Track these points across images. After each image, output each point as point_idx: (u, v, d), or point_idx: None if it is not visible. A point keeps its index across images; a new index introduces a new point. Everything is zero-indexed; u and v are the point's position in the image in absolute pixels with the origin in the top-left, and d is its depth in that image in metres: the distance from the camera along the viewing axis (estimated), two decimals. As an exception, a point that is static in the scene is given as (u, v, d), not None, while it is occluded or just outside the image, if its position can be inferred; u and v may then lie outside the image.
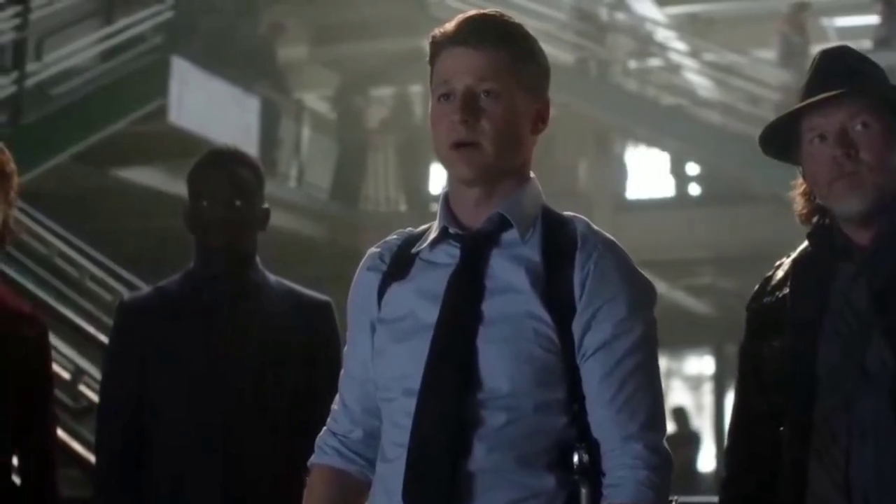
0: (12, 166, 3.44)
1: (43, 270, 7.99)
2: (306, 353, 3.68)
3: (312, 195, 16.21)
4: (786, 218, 3.05)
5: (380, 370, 2.52)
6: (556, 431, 2.41)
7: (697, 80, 18.31)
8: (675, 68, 18.17)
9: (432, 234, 2.54)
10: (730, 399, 20.67)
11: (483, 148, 2.44)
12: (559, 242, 2.46)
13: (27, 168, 9.70)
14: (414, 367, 2.42)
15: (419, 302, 2.48)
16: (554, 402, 2.40)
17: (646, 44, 17.82)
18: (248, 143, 12.47)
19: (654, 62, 18.02)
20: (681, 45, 18.45)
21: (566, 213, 2.56)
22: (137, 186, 12.04)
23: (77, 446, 5.56)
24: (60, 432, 5.63)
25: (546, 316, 2.40)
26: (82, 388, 6.54)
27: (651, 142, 17.71)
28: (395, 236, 2.64)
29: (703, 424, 21.72)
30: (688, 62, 18.14)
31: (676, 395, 21.89)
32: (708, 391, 22.73)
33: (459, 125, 2.44)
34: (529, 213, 2.50)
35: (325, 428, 2.67)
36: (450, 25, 2.52)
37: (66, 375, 6.48)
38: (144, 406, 3.62)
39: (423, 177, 17.31)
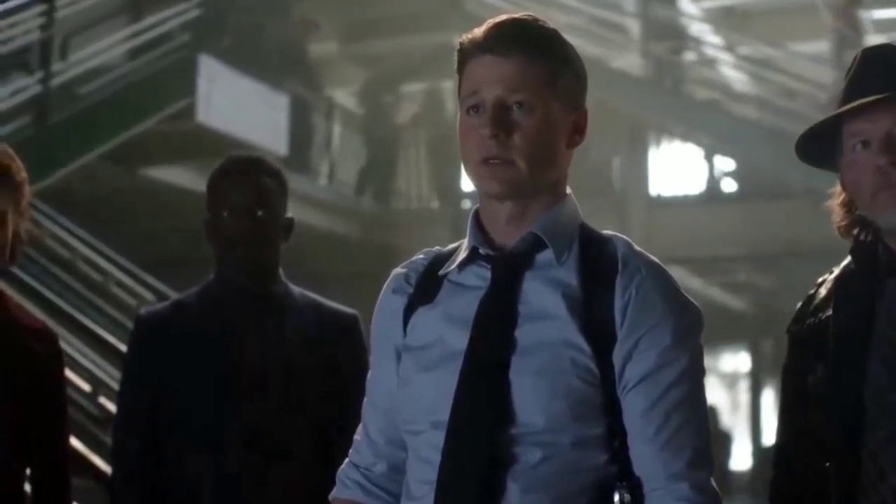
0: (24, 174, 3.30)
1: (66, 275, 7.88)
2: (332, 370, 3.53)
3: (343, 192, 16.09)
4: (822, 214, 2.87)
5: (405, 401, 2.34)
6: (596, 469, 2.23)
7: (733, 74, 18.09)
8: (710, 62, 17.96)
9: (461, 255, 2.36)
10: (766, 396, 20.61)
11: (515, 164, 2.26)
12: (598, 264, 2.28)
13: (53, 168, 9.64)
14: (442, 399, 2.25)
15: (447, 328, 2.31)
16: (593, 437, 2.23)
17: (680, 38, 17.57)
18: (278, 142, 12.36)
19: (689, 56, 17.81)
20: (716, 39, 18.23)
21: (605, 231, 2.37)
22: (166, 186, 11.92)
23: (97, 460, 5.42)
24: (80, 444, 5.52)
25: (584, 344, 2.22)
26: (102, 399, 6.40)
27: (686, 137, 17.51)
28: (421, 256, 2.47)
29: (739, 422, 21.56)
30: (723, 56, 17.91)
31: (712, 392, 21.68)
32: (744, 389, 22.57)
33: (489, 140, 2.27)
34: (566, 233, 2.32)
35: (347, 459, 2.51)
36: (478, 31, 2.33)
37: (85, 386, 6.36)
38: (162, 422, 3.48)
39: (455, 173, 17.15)
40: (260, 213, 3.50)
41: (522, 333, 2.24)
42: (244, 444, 3.44)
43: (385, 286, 2.47)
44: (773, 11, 19.07)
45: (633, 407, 2.23)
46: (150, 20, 11.25)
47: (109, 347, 6.62)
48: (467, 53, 2.34)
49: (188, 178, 11.62)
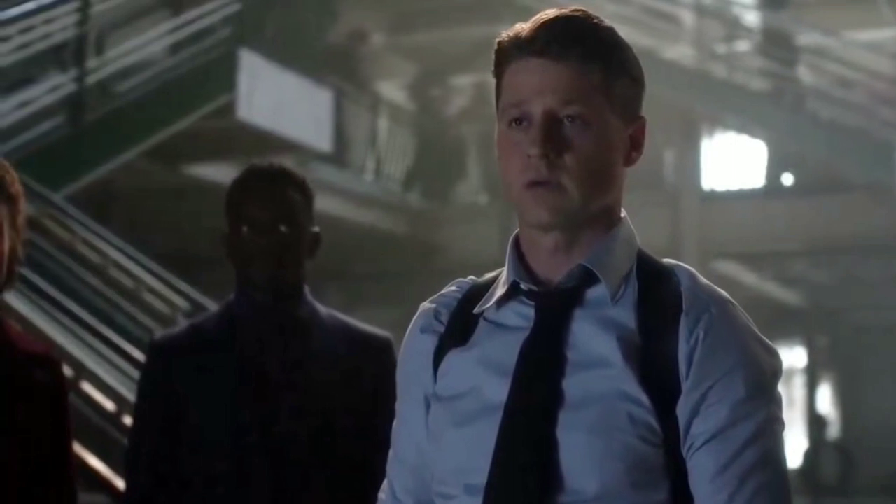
0: (18, 187, 3.02)
1: (98, 281, 7.64)
2: (363, 400, 3.23)
3: (391, 188, 15.84)
4: (879, 207, 2.54)
5: (436, 459, 2.02)
6: (657, 542, 1.90)
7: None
8: (764, 52, 17.57)
9: (500, 290, 2.03)
10: (821, 392, 20.28)
11: (566, 189, 1.93)
12: (659, 302, 1.95)
13: (90, 168, 9.42)
14: (477, 459, 1.93)
15: (484, 375, 1.98)
16: None
17: (734, 27, 17.20)
18: (321, 138, 12.11)
19: (743, 46, 17.45)
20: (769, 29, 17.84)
21: (666, 260, 2.04)
22: (208, 183, 11.69)
23: (121, 483, 5.16)
24: (102, 466, 5.27)
25: (643, 397, 1.89)
26: (127, 419, 6.13)
27: (740, 129, 17.15)
28: (453, 288, 2.13)
29: (794, 418, 21.18)
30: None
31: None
32: (799, 384, 22.17)
33: (538, 160, 1.93)
34: (621, 265, 1.99)
35: None
36: (522, 29, 1.99)
37: (110, 405, 6.10)
38: (179, 458, 3.21)
39: (504, 168, 16.84)
40: (283, 228, 3.22)
41: (571, 384, 1.92)
42: (270, 493, 3.18)
43: (412, 324, 2.14)
44: (825, 1, 18.69)
45: (701, 470, 1.90)
46: (189, 15, 10.98)
47: (135, 362, 6.36)
48: (508, 54, 2.00)
49: (230, 176, 11.38)
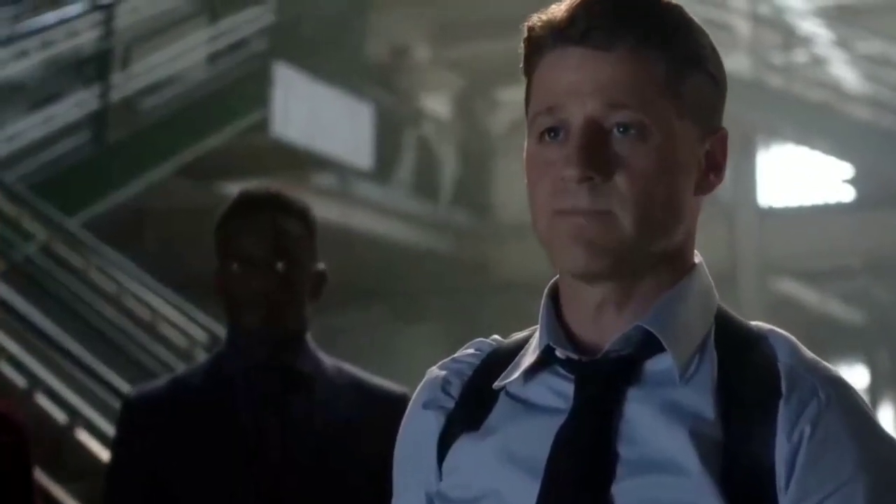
0: None
1: (112, 311, 7.25)
2: (375, 465, 2.73)
3: (435, 206, 15.43)
4: None
5: None
6: None
7: (845, 73, 17.26)
8: (821, 62, 17.11)
9: (528, 357, 1.49)
10: (885, 411, 19.76)
11: (615, 219, 1.40)
12: (747, 382, 1.41)
13: (116, 187, 9.07)
14: None
15: (504, 474, 1.44)
16: None
17: (790, 36, 16.75)
18: (361, 154, 11.71)
19: (800, 56, 17.01)
20: (827, 36, 17.39)
21: (756, 324, 1.49)
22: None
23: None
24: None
25: None
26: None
27: (798, 141, 16.68)
28: (471, 351, 1.58)
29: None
30: (835, 54, 17.07)
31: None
32: (862, 404, 21.72)
33: (577, 185, 1.40)
34: (694, 329, 1.45)
35: None
36: (558, 10, 1.46)
37: (106, 456, 5.70)
38: None
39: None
40: (280, 265, 2.71)
41: (625, 492, 1.38)
42: None
43: (414, 395, 1.61)
44: (886, 7, 18.23)
45: None
46: (221, 27, 10.61)
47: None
48: (540, 44, 1.49)
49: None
